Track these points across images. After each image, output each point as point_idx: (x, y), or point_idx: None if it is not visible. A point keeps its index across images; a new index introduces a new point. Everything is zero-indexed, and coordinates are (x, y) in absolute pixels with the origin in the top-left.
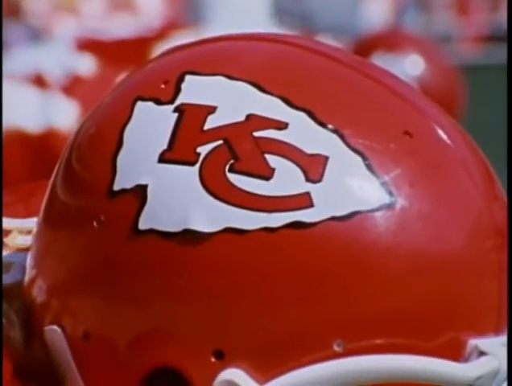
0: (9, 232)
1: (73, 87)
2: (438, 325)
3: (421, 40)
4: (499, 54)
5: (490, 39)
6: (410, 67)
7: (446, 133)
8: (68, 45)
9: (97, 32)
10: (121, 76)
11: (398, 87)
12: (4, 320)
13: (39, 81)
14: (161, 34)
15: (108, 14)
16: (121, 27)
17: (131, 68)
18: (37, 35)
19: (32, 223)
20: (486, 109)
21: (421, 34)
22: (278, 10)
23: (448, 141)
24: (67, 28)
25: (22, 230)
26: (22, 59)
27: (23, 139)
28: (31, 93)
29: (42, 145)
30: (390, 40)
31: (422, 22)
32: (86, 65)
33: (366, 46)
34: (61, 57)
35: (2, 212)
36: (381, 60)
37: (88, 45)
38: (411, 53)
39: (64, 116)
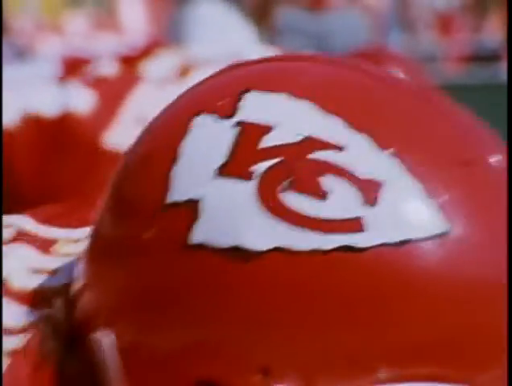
0: (56, 241)
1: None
2: (488, 358)
3: (403, 58)
4: (482, 74)
5: (473, 59)
6: None
7: (502, 163)
8: (55, 64)
9: (82, 51)
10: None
11: (456, 114)
12: (41, 324)
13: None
14: (145, 52)
15: (92, 33)
16: (105, 46)
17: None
18: (21, 53)
19: (79, 233)
20: None
21: (405, 53)
22: (293, 29)
23: (504, 171)
24: (51, 47)
25: (69, 239)
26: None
27: (39, 123)
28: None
29: (58, 129)
30: (371, 58)
31: (405, 42)
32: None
33: None
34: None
35: (2, 212)
36: None
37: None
38: (393, 71)
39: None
